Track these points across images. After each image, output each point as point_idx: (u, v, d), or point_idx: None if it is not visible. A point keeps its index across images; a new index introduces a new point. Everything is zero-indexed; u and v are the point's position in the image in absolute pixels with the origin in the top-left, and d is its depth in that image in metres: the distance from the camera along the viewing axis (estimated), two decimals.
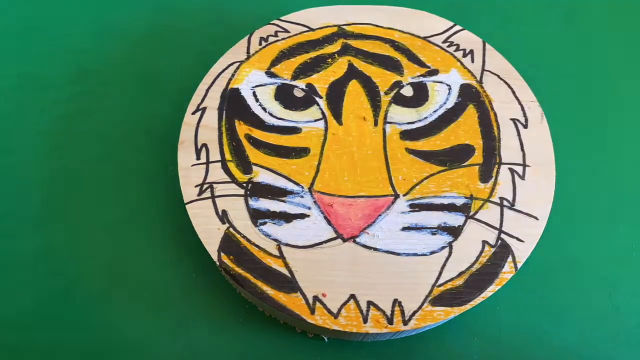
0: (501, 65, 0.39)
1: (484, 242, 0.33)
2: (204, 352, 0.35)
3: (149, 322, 0.36)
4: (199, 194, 0.34)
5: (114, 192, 0.40)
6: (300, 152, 0.36)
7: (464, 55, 0.39)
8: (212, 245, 0.33)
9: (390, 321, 0.31)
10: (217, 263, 0.33)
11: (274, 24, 0.41)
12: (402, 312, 0.31)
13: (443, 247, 0.33)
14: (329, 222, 0.33)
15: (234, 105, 0.37)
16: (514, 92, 0.38)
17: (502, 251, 0.33)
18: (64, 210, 0.39)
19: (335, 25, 0.41)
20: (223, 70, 0.39)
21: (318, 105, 0.37)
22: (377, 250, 0.33)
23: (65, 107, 0.43)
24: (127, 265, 0.37)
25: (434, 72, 0.39)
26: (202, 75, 0.39)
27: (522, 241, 0.33)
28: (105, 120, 0.43)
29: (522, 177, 0.35)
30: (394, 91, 0.38)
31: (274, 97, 0.38)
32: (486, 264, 0.33)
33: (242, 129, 0.37)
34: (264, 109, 0.37)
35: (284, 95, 0.38)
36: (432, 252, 0.33)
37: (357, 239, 0.33)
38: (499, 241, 0.33)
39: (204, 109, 0.37)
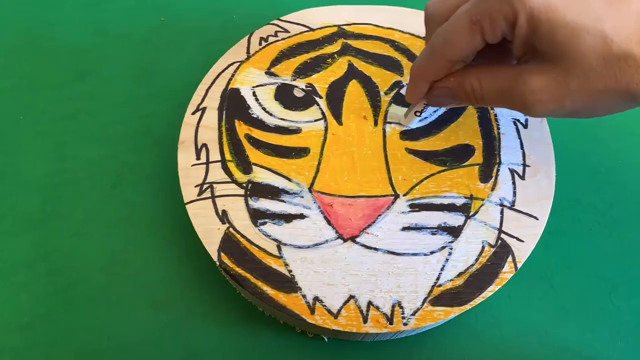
0: None
1: (484, 242, 0.33)
2: (204, 352, 0.35)
3: (149, 322, 0.36)
4: (199, 194, 0.34)
5: (114, 192, 0.40)
6: (300, 152, 0.36)
7: None
8: (212, 245, 0.33)
9: (390, 321, 0.31)
10: (217, 263, 0.33)
11: (274, 24, 0.41)
12: (402, 312, 0.31)
13: (443, 247, 0.33)
14: (329, 222, 0.33)
15: (234, 105, 0.37)
16: None
17: (502, 251, 0.33)
18: (64, 210, 0.39)
19: (335, 25, 0.41)
20: (223, 70, 0.39)
21: (318, 105, 0.37)
22: (377, 250, 0.33)
23: (65, 107, 0.43)
24: (127, 265, 0.37)
25: None
26: (202, 75, 0.39)
27: (522, 241, 0.33)
28: (106, 120, 0.43)
29: (522, 177, 0.35)
30: (394, 91, 0.38)
31: (274, 97, 0.38)
32: (486, 264, 0.33)
33: (242, 129, 0.37)
34: (264, 109, 0.37)
35: (284, 95, 0.38)
36: (432, 252, 0.33)
37: (357, 239, 0.33)
38: (499, 241, 0.33)
39: (204, 109, 0.37)
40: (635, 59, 0.25)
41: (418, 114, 0.35)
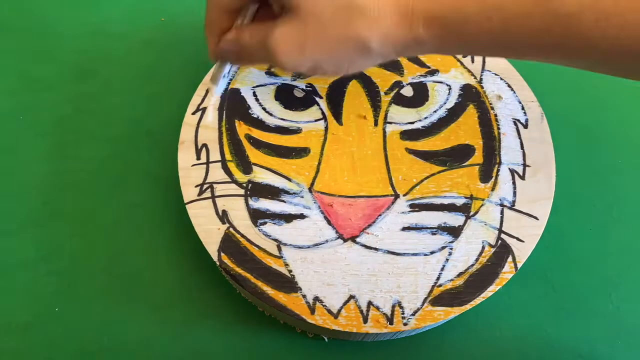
0: (501, 65, 0.39)
1: (484, 242, 0.33)
2: (204, 352, 0.35)
3: (149, 322, 0.36)
4: (199, 194, 0.34)
5: (114, 192, 0.40)
6: (300, 152, 0.36)
7: (464, 56, 0.39)
8: (212, 245, 0.33)
9: (390, 321, 0.31)
10: (217, 263, 0.33)
11: None
12: (402, 312, 0.31)
13: (443, 247, 0.33)
14: (329, 222, 0.33)
15: (234, 105, 0.37)
16: (514, 92, 0.38)
17: (502, 251, 0.33)
18: (64, 210, 0.39)
19: None
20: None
21: (318, 105, 0.37)
22: (377, 250, 0.33)
23: (65, 107, 0.43)
24: (127, 265, 0.37)
25: (434, 72, 0.39)
26: (202, 75, 0.39)
27: (522, 241, 0.33)
28: (106, 120, 0.43)
29: (522, 177, 0.35)
30: (394, 91, 0.38)
31: (274, 97, 0.38)
32: (486, 264, 0.33)
33: (242, 129, 0.37)
34: (264, 109, 0.37)
35: (284, 96, 0.38)
36: (432, 252, 0.33)
37: (357, 239, 0.33)
38: (499, 241, 0.33)
39: (204, 109, 0.37)
40: (360, 8, 0.26)
41: (225, 76, 0.35)
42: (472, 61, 0.39)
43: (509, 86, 0.38)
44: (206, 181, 0.35)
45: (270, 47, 0.28)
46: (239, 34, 0.31)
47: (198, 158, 0.36)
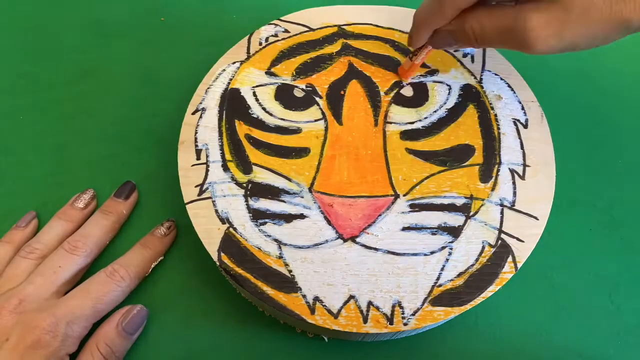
0: (501, 65, 0.39)
1: (484, 242, 0.33)
2: (204, 352, 0.35)
3: (149, 322, 0.36)
4: (199, 194, 0.34)
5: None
6: (300, 152, 0.36)
7: (464, 56, 0.40)
8: (212, 245, 0.33)
9: (390, 321, 0.31)
10: (217, 263, 0.33)
11: (274, 24, 0.41)
12: (402, 312, 0.31)
13: (443, 247, 0.33)
14: (329, 222, 0.33)
15: (234, 105, 0.37)
16: (514, 92, 0.38)
17: (502, 251, 0.33)
18: None
19: (335, 25, 0.41)
20: (223, 70, 0.39)
21: (318, 105, 0.37)
22: (377, 250, 0.33)
23: (65, 107, 0.43)
24: None
25: (434, 72, 0.39)
26: (202, 75, 0.39)
27: (522, 241, 0.33)
28: (106, 120, 0.43)
29: (522, 177, 0.35)
30: (394, 91, 0.38)
31: (274, 97, 0.38)
32: (486, 264, 0.33)
33: (242, 129, 0.37)
34: (264, 109, 0.37)
35: (284, 95, 0.38)
36: (432, 252, 0.33)
37: (357, 239, 0.33)
38: (499, 241, 0.33)
39: (204, 109, 0.37)
40: None
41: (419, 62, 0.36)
42: (472, 61, 0.39)
43: (509, 86, 0.38)
44: (206, 181, 0.35)
45: (522, 33, 0.29)
46: (465, 22, 0.31)
47: (198, 158, 0.36)
